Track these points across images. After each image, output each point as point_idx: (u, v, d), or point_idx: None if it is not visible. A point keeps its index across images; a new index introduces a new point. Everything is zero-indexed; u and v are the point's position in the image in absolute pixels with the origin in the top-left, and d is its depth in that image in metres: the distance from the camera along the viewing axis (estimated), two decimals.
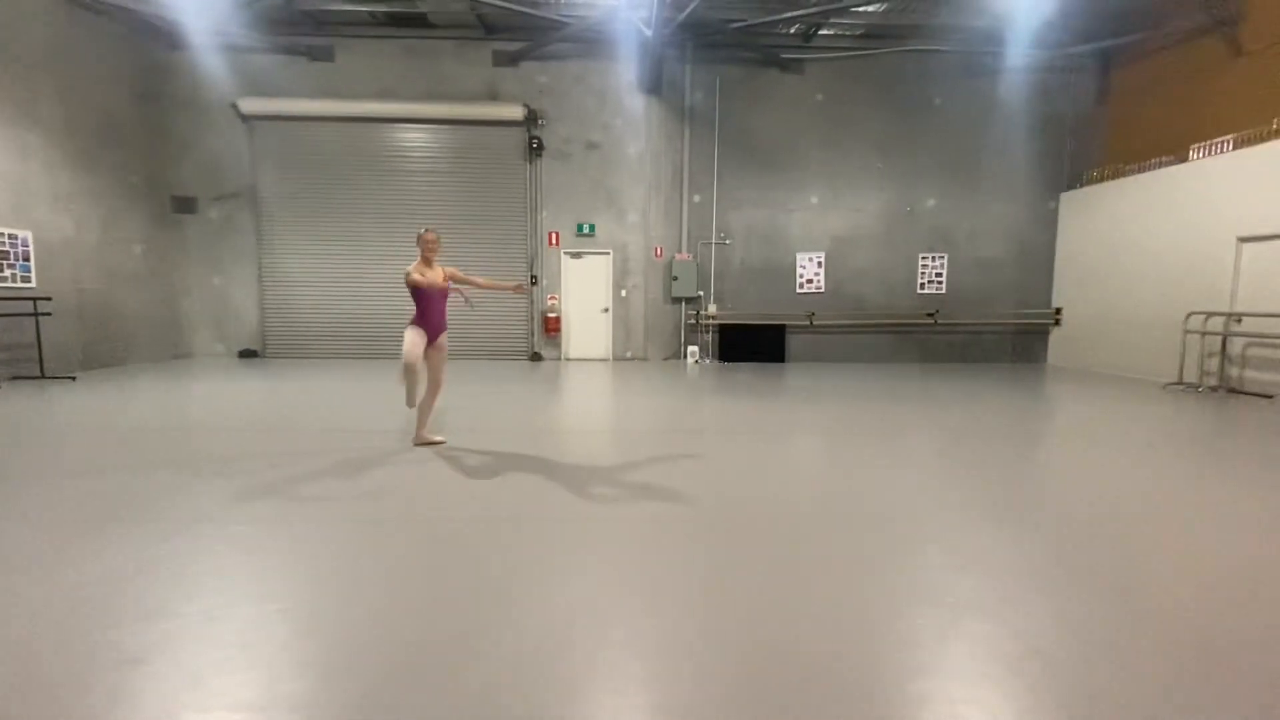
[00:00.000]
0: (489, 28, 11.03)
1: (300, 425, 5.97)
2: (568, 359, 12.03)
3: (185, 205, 11.38)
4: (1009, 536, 3.33)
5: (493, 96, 11.34)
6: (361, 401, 7.32)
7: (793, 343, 12.02)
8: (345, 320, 11.73)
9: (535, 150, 11.41)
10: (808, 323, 11.94)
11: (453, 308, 5.29)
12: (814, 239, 11.91)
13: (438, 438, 5.27)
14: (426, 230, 4.99)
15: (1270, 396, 7.98)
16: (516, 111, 11.14)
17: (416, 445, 5.16)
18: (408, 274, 4.86)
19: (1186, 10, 9.59)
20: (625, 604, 2.57)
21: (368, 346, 11.74)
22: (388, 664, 2.14)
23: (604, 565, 2.96)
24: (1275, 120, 8.24)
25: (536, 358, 11.90)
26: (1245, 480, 4.45)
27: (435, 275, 4.95)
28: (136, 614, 2.44)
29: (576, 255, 11.88)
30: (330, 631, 2.34)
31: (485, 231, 11.66)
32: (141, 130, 10.76)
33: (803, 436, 5.79)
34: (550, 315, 11.78)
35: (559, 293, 11.87)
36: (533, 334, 11.95)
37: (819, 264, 11.93)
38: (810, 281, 11.98)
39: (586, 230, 11.72)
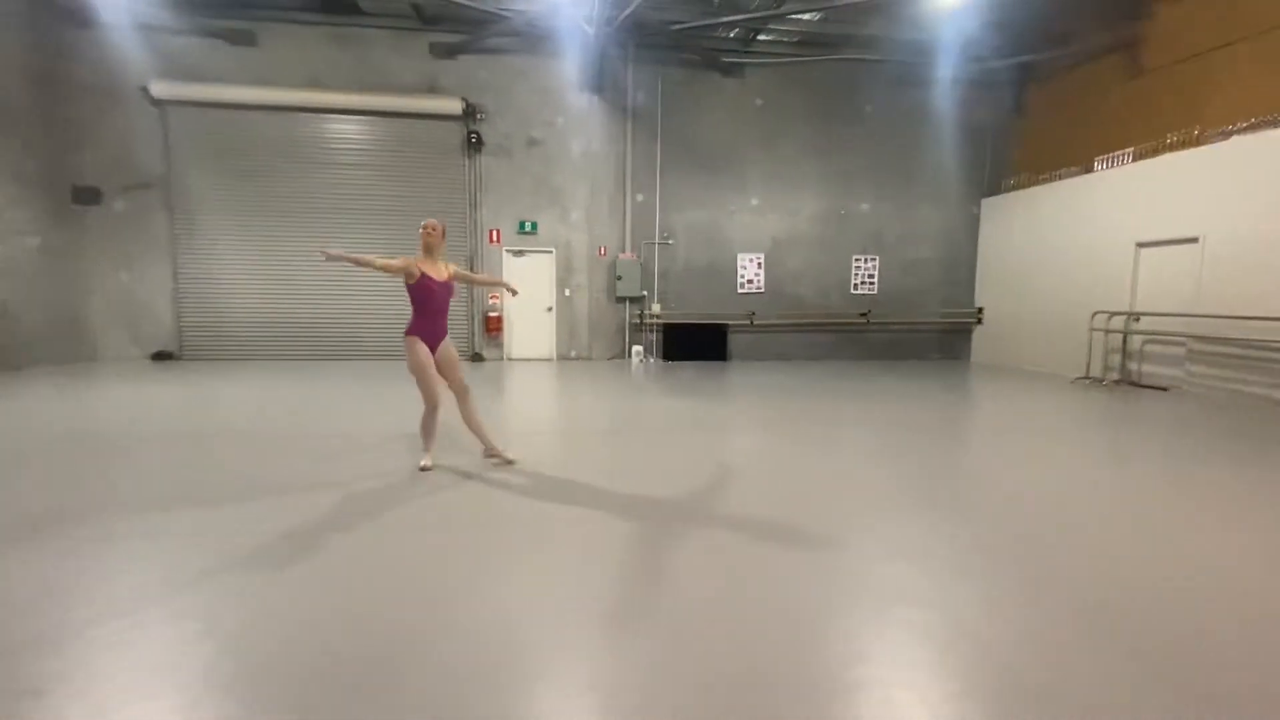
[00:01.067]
0: (426, 19, 10.71)
1: (216, 430, 5.62)
2: (511, 359, 11.83)
3: (88, 196, 10.51)
4: (935, 524, 3.49)
5: (430, 89, 11.02)
6: (286, 403, 6.96)
7: (735, 342, 12.23)
8: (270, 320, 11.13)
9: (475, 145, 11.16)
10: (749, 322, 12.17)
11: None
12: (754, 240, 12.16)
13: (510, 455, 4.59)
14: (428, 220, 4.33)
15: (1165, 389, 8.70)
16: (455, 105, 10.86)
17: (487, 458, 4.61)
18: (407, 265, 4.13)
19: (1092, 32, 10.34)
20: (562, 606, 2.54)
21: (295, 347, 11.19)
22: (321, 680, 2.03)
23: (544, 567, 2.92)
24: (1169, 135, 8.98)
25: (478, 358, 11.65)
26: (1144, 465, 4.83)
27: (438, 272, 4.31)
28: (34, 640, 2.23)
29: (518, 253, 11.70)
30: (257, 648, 2.21)
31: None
32: (38, 115, 9.87)
33: (741, 433, 5.90)
34: (491, 315, 11.56)
35: (500, 291, 11.65)
36: (473, 334, 11.69)
37: (759, 265, 12.19)
38: (751, 282, 12.22)
39: (528, 228, 11.56)
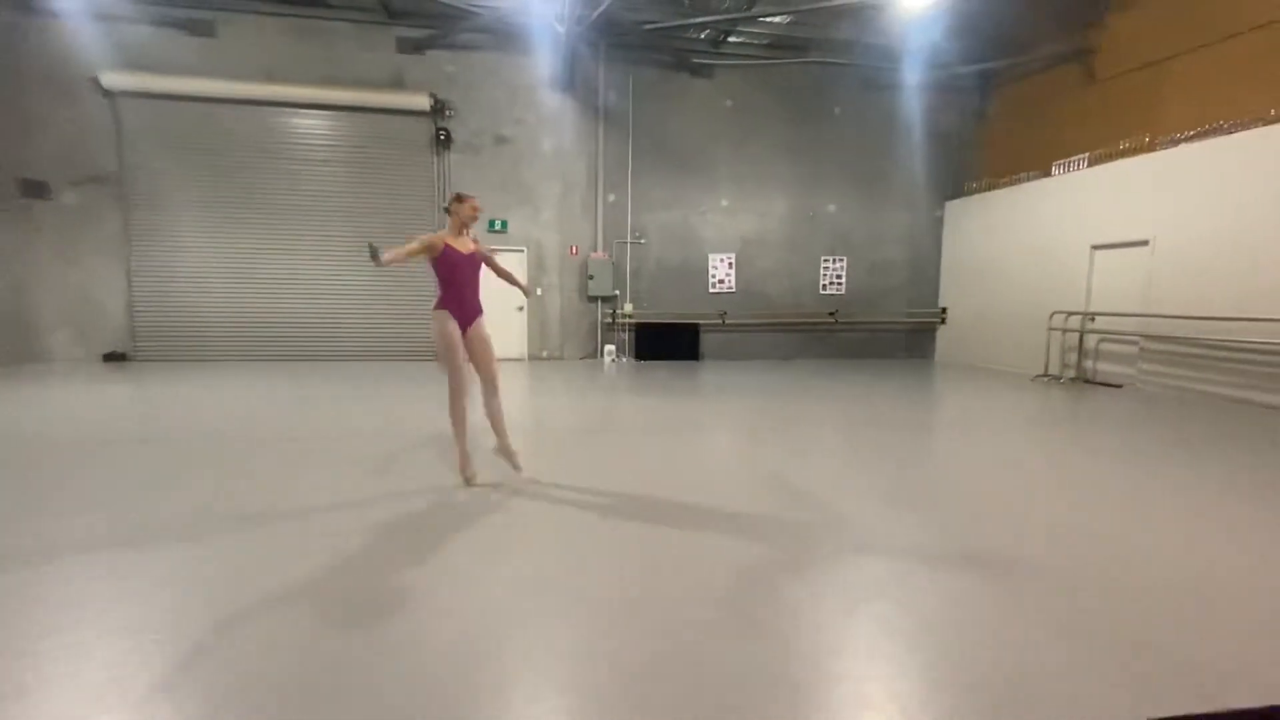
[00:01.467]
0: (392, 12, 10.51)
1: (171, 434, 5.43)
2: None
3: (35, 190, 10.04)
4: (902, 519, 3.56)
5: (397, 84, 10.82)
6: (246, 405, 6.76)
7: (706, 341, 12.29)
8: (232, 319, 10.79)
9: (443, 142, 11.00)
10: (720, 322, 12.25)
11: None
12: (725, 240, 12.24)
13: (520, 462, 4.25)
14: (460, 195, 4.01)
15: (1120, 386, 9.02)
16: (423, 101, 10.69)
17: (497, 454, 4.26)
18: (428, 242, 3.83)
19: (1050, 40, 10.67)
20: (537, 605, 2.52)
21: (257, 347, 10.87)
22: (284, 689, 1.97)
23: (518, 565, 2.89)
24: (1122, 142, 9.32)
25: None
26: (1102, 460, 5.00)
27: (464, 245, 4.02)
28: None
29: (490, 252, 11.54)
30: (217, 659, 2.13)
31: (389, 224, 11.08)
32: None
33: (715, 432, 5.94)
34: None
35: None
36: None
37: (730, 265, 12.28)
38: (722, 282, 12.30)
39: (499, 227, 11.44)
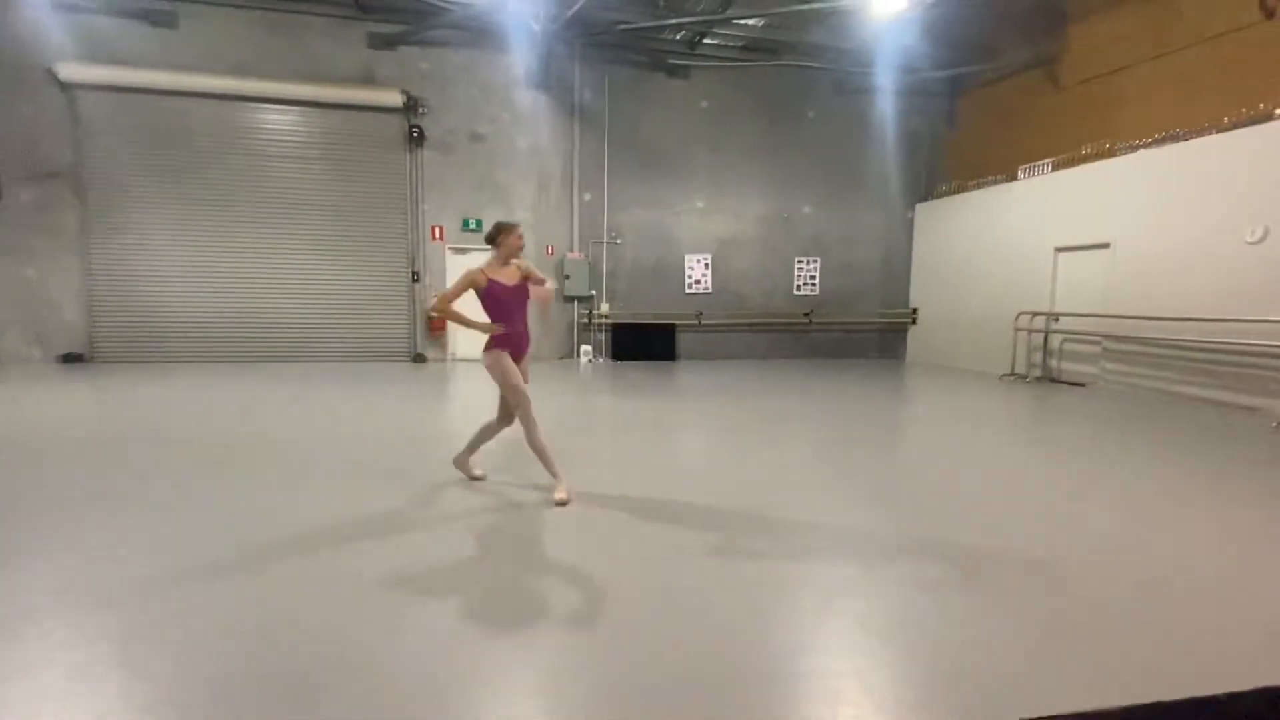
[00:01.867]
0: (364, 7, 10.34)
1: (131, 438, 5.27)
2: (455, 359, 11.57)
3: None
4: (873, 515, 3.61)
5: (368, 80, 10.65)
6: (207, 407, 6.59)
7: (683, 341, 12.33)
8: (196, 320, 10.50)
9: (416, 139, 10.85)
10: (696, 322, 12.30)
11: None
12: (701, 241, 12.29)
13: (478, 471, 4.28)
14: (502, 225, 3.86)
15: (1083, 385, 9.28)
16: (395, 98, 10.53)
17: (456, 468, 4.26)
18: (470, 281, 3.73)
19: (1016, 48, 10.95)
20: (508, 606, 2.50)
21: (222, 349, 10.59)
22: (244, 696, 1.92)
23: (489, 567, 2.86)
24: (1084, 147, 9.59)
25: (420, 359, 11.33)
26: (1064, 456, 5.14)
27: (508, 276, 3.84)
28: None
29: (462, 251, 11.44)
30: (175, 666, 2.07)
31: (361, 223, 10.92)
32: None
33: (690, 432, 5.96)
34: (434, 314, 11.26)
35: (444, 290, 11.34)
36: (415, 334, 11.36)
37: (706, 265, 12.34)
38: (698, 282, 12.35)
39: (473, 225, 11.32)
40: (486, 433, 4.16)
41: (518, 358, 3.87)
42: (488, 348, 3.81)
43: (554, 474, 3.89)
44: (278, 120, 10.48)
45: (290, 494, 3.90)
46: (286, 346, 10.81)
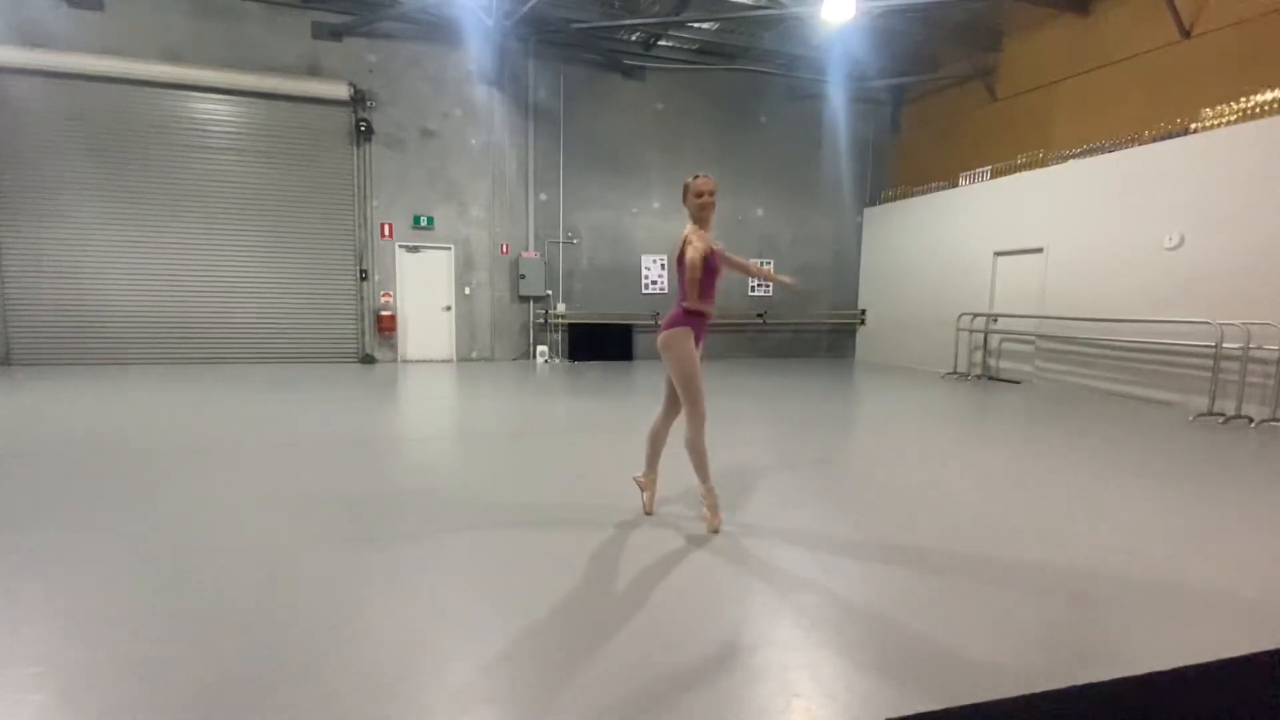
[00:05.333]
0: None
1: (49, 443, 4.92)
2: (406, 361, 11.26)
3: None
4: (823, 511, 3.69)
5: (312, 71, 10.25)
6: (134, 410, 6.22)
7: (639, 341, 12.35)
8: (125, 318, 9.88)
9: (364, 134, 10.51)
10: (653, 322, 12.33)
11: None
12: (657, 242, 12.33)
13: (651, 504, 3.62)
14: (699, 177, 3.25)
15: (1019, 382, 9.75)
16: (341, 90, 10.18)
17: (641, 490, 3.67)
18: (689, 246, 3.09)
19: (956, 60, 11.42)
20: (463, 617, 2.44)
21: (156, 350, 10.01)
22: (183, 715, 1.81)
23: (433, 582, 2.79)
24: (1019, 156, 10.07)
25: (369, 360, 10.98)
26: (1000, 449, 5.38)
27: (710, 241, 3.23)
28: None
29: (413, 249, 11.16)
30: (109, 689, 1.93)
31: (305, 219, 10.51)
32: None
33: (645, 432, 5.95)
34: (384, 313, 10.94)
35: (394, 289, 11.06)
36: (363, 334, 11.01)
37: (663, 266, 12.39)
38: (655, 283, 12.40)
39: (424, 223, 11.06)
40: (658, 439, 3.56)
41: (699, 339, 3.30)
42: (671, 323, 3.21)
43: (704, 480, 3.35)
44: (214, 110, 9.97)
45: (193, 517, 3.71)
46: (225, 347, 10.30)
